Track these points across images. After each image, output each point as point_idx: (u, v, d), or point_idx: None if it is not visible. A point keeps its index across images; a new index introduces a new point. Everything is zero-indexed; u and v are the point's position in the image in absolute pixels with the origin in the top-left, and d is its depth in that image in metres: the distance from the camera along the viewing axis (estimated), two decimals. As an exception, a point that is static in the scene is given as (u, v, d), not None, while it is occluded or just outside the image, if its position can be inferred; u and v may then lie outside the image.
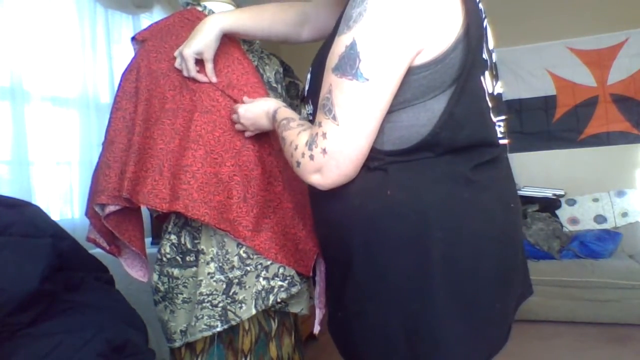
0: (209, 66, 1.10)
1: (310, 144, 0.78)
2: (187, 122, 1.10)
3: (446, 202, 0.77)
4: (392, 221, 0.77)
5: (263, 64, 1.27)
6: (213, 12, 1.22)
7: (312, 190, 0.91)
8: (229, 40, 1.19)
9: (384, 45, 0.71)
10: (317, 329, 1.24)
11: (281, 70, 1.32)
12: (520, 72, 3.85)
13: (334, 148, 0.75)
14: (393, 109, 0.77)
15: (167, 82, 1.13)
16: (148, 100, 1.13)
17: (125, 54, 2.50)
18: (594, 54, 3.70)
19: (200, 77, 1.11)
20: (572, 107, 3.77)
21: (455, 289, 0.77)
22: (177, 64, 1.11)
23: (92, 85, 2.30)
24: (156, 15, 2.70)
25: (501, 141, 0.86)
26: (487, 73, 0.83)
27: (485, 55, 0.82)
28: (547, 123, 3.83)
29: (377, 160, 0.79)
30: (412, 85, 0.75)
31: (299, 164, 0.80)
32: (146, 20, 2.67)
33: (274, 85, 1.26)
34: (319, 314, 1.23)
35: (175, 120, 1.11)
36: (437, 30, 0.74)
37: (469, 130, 0.78)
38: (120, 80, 1.19)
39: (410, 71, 0.75)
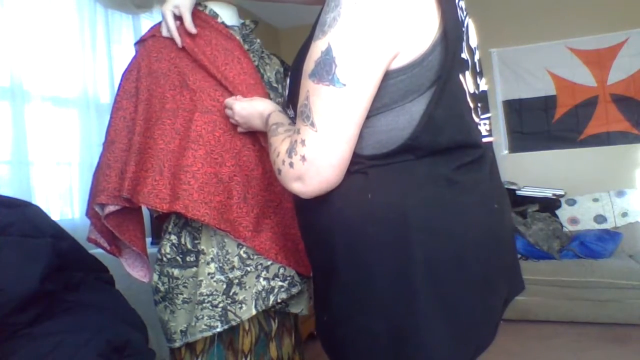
0: (187, 18, 1.14)
1: (290, 152, 0.77)
2: (187, 122, 1.10)
3: (427, 204, 0.77)
4: (373, 225, 0.77)
5: (263, 64, 1.27)
6: (214, 13, 1.22)
7: (295, 196, 0.91)
8: (230, 39, 1.18)
9: (360, 49, 0.70)
10: None
11: (282, 70, 1.32)
12: (520, 72, 3.85)
13: (313, 155, 0.74)
14: (371, 113, 0.76)
15: (167, 81, 1.13)
16: (148, 100, 1.13)
17: (125, 54, 2.50)
18: (594, 54, 3.70)
19: (176, 35, 1.13)
20: (572, 107, 3.77)
21: (438, 291, 0.76)
22: (164, 30, 1.15)
23: (92, 85, 2.30)
24: (156, 15, 2.70)
25: (486, 139, 0.86)
26: (467, 73, 0.82)
27: (465, 55, 0.81)
28: (547, 123, 3.83)
29: (357, 164, 0.78)
30: (390, 90, 0.75)
31: (280, 171, 0.80)
32: (146, 20, 2.67)
33: (275, 85, 1.26)
34: None
35: (176, 120, 1.11)
36: (413, 33, 0.73)
37: (449, 132, 0.77)
38: (121, 80, 1.19)
39: (388, 75, 0.74)
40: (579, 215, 3.53)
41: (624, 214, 3.43)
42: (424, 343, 0.76)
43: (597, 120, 3.71)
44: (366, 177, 0.78)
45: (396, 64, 0.73)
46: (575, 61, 3.75)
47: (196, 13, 1.21)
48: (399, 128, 0.76)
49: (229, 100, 1.11)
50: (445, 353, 0.77)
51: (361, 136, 0.77)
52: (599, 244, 3.16)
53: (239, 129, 1.12)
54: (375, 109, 0.76)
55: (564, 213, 3.54)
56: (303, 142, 0.75)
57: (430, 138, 0.76)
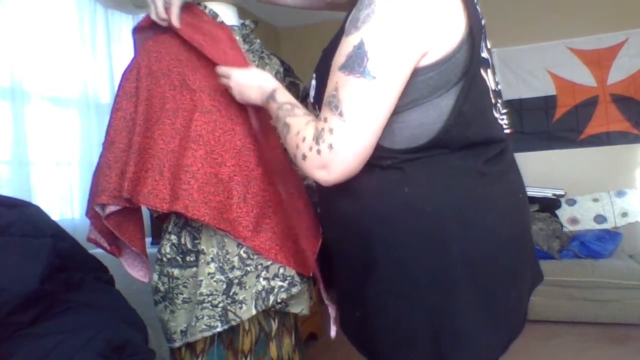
0: (174, 10, 1.09)
1: (317, 139, 0.78)
2: (187, 121, 1.10)
3: (462, 196, 0.80)
4: (411, 217, 0.80)
5: (263, 64, 1.27)
6: (214, 13, 1.22)
7: (324, 192, 0.92)
8: (221, 29, 1.16)
9: (392, 45, 0.73)
10: (334, 332, 1.19)
11: (282, 70, 1.32)
12: (521, 72, 3.85)
13: (341, 144, 0.76)
14: (401, 109, 0.78)
15: (167, 81, 1.13)
16: (148, 100, 1.13)
17: (125, 54, 2.50)
18: (594, 54, 3.70)
19: (174, 20, 1.10)
20: (572, 107, 3.77)
21: (475, 280, 0.79)
22: (152, 15, 1.11)
23: (92, 85, 2.30)
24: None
25: (506, 131, 0.90)
26: (489, 71, 0.86)
27: (485, 54, 0.85)
28: (547, 123, 3.83)
29: (390, 159, 0.81)
30: (420, 86, 0.77)
31: (304, 157, 0.80)
32: (146, 20, 2.67)
33: (274, 85, 1.26)
34: (332, 312, 1.19)
35: (176, 120, 1.11)
36: (442, 32, 0.76)
37: (477, 126, 0.81)
38: (121, 80, 1.19)
39: (417, 72, 0.77)
40: (579, 215, 3.52)
41: (624, 214, 3.43)
42: (463, 331, 0.80)
43: (597, 120, 3.71)
44: (402, 172, 0.81)
45: (425, 62, 0.76)
46: (575, 61, 3.74)
47: (190, 8, 1.20)
48: (430, 122, 0.79)
49: (224, 68, 1.04)
50: (482, 341, 0.81)
51: (393, 131, 0.80)
52: (599, 244, 3.16)
53: (235, 95, 1.04)
54: (405, 105, 0.78)
55: (564, 213, 3.54)
56: (331, 130, 0.76)
57: (460, 132, 0.79)
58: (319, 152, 0.77)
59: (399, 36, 0.73)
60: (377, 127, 0.76)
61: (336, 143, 0.76)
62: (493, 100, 0.86)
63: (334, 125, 0.76)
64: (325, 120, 0.77)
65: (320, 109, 0.89)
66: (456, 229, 0.79)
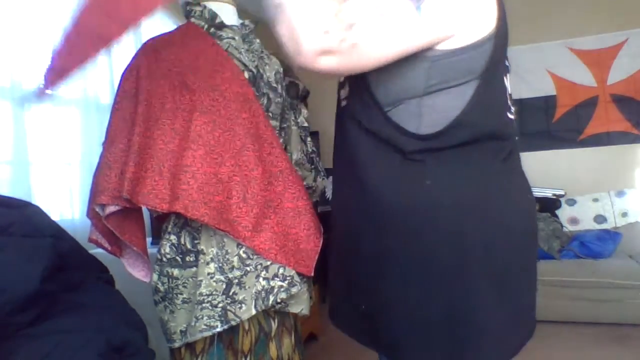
0: None
1: (350, 27, 0.73)
2: (186, 122, 1.10)
3: (481, 191, 0.81)
4: (430, 210, 0.81)
5: (263, 64, 1.27)
6: (213, 12, 1.22)
7: (340, 182, 0.93)
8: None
9: (449, 4, 0.74)
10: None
11: (281, 70, 1.32)
12: (521, 72, 3.84)
13: (364, 48, 0.74)
14: (432, 89, 0.80)
15: (167, 82, 1.13)
16: (148, 100, 1.13)
17: (126, 54, 2.50)
18: (594, 54, 3.70)
19: None
20: (572, 107, 3.77)
21: (494, 277, 0.80)
22: None
23: (92, 86, 2.30)
24: (155, 15, 2.70)
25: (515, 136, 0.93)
26: (508, 76, 0.89)
27: (507, 61, 0.88)
28: (547, 123, 3.83)
29: (411, 144, 0.81)
30: (451, 67, 0.79)
31: (327, 32, 0.72)
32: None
33: (274, 85, 1.26)
34: None
35: (175, 120, 1.11)
36: (477, 19, 0.78)
37: (494, 121, 0.83)
38: (120, 80, 1.19)
39: (447, 54, 0.78)
40: (579, 215, 3.52)
41: (624, 214, 3.43)
42: (480, 326, 0.80)
43: (597, 120, 3.71)
44: (424, 165, 0.82)
45: (454, 45, 0.77)
46: (575, 61, 3.74)
47: (193, 27, 1.20)
48: (452, 108, 0.80)
49: None
50: (500, 336, 0.82)
51: (420, 115, 0.81)
52: (599, 244, 3.16)
53: None
54: (433, 85, 0.79)
55: (564, 213, 3.54)
56: (364, 31, 0.73)
57: (476, 120, 0.80)
58: (343, 40, 0.72)
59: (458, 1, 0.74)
60: (398, 53, 0.75)
61: (361, 44, 0.73)
62: (509, 102, 0.89)
63: (368, 29, 0.73)
64: (364, 19, 0.74)
65: (349, 85, 0.91)
66: (475, 223, 0.80)
